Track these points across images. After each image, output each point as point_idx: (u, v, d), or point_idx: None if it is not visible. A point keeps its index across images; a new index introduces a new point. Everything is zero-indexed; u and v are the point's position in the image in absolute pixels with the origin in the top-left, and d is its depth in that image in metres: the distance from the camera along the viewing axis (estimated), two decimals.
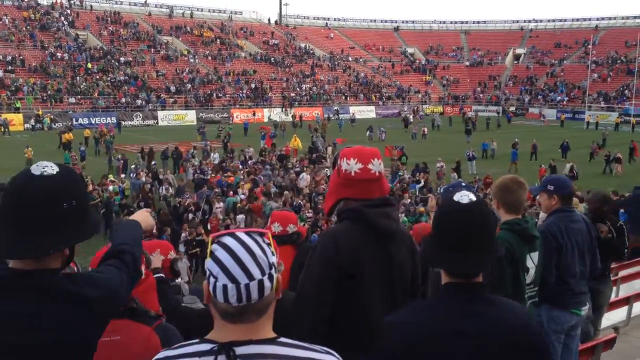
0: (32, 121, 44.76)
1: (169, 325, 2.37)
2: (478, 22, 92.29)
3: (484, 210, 2.00)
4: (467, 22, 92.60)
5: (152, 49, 64.22)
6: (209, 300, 1.46)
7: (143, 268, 2.27)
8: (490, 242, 1.97)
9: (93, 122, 46.43)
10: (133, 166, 24.35)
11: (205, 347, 1.42)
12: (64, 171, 1.67)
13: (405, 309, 2.06)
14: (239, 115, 54.58)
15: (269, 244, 1.46)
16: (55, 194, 1.61)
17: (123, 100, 52.40)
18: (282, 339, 1.47)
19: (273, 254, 1.46)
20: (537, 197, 4.23)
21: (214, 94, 58.28)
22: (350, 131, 45.65)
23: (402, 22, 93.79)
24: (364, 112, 61.82)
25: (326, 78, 69.73)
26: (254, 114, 56.16)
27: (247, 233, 1.46)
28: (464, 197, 1.97)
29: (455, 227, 1.94)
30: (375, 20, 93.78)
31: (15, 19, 61.14)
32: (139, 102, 52.88)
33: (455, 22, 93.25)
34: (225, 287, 1.40)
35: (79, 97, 51.42)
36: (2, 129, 41.82)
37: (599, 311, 5.28)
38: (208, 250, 1.45)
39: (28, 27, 60.49)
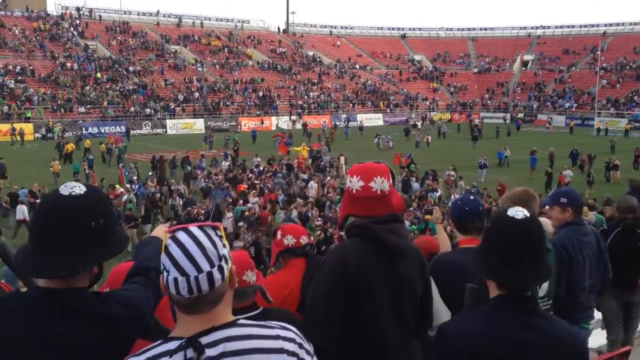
0: (43, 130, 45.10)
1: None
2: (485, 29, 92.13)
3: (537, 225, 2.08)
4: (474, 29, 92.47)
5: (161, 58, 64.65)
6: (165, 293, 1.51)
7: None
8: (544, 257, 2.06)
9: (103, 131, 46.76)
10: (135, 177, 24.19)
11: (173, 345, 1.45)
12: (92, 191, 1.72)
13: (460, 318, 2.16)
14: (247, 124, 54.78)
15: (220, 237, 1.52)
16: (84, 213, 1.65)
17: (132, 109, 52.72)
18: (242, 320, 1.54)
19: (225, 246, 1.51)
20: (546, 210, 4.20)
21: (222, 103, 58.52)
22: (358, 139, 45.66)
23: (409, 29, 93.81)
24: (372, 119, 61.84)
25: (333, 86, 69.87)
26: (262, 122, 56.34)
27: (200, 227, 1.52)
28: (519, 212, 2.05)
29: (511, 243, 2.02)
30: (382, 28, 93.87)
31: (25, 29, 61.75)
32: (147, 111, 53.18)
33: (463, 29, 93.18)
34: (175, 280, 1.45)
35: (89, 106, 51.77)
36: (17, 139, 42.05)
37: (633, 322, 5.19)
38: (163, 245, 1.49)
39: (38, 38, 61.05)
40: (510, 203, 3.41)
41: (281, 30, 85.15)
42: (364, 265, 2.39)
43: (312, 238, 3.52)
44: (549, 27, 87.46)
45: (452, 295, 2.88)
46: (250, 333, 1.52)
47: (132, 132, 48.26)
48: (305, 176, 24.97)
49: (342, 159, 29.11)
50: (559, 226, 4.02)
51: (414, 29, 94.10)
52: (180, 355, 1.43)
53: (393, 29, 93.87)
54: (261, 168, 26.74)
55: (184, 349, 1.43)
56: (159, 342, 1.49)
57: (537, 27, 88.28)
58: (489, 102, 72.98)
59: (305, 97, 65.21)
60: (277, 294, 3.15)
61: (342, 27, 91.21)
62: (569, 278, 3.80)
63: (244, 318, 2.45)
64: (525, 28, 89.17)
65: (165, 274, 1.48)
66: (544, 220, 4.49)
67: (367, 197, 2.48)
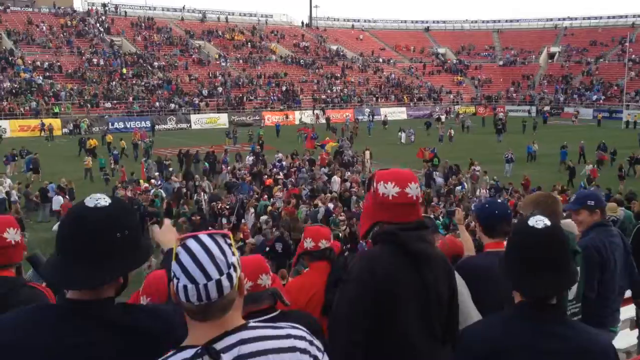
0: (70, 126, 45.81)
1: None
2: (511, 21, 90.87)
3: (559, 234, 2.10)
4: (499, 21, 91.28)
5: (185, 54, 65.15)
6: (176, 300, 1.55)
7: None
8: (566, 265, 2.08)
9: (128, 126, 47.37)
10: (157, 173, 24.27)
11: (188, 353, 1.48)
12: (116, 202, 1.75)
13: (482, 322, 2.24)
14: (271, 118, 55.00)
15: (230, 245, 1.55)
16: (109, 224, 1.68)
17: (157, 104, 53.26)
18: (252, 323, 1.58)
19: (234, 254, 1.55)
20: (572, 215, 4.11)
21: (246, 97, 58.80)
22: (382, 133, 45.49)
23: (433, 22, 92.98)
24: (395, 113, 61.55)
25: (357, 80, 69.68)
26: (286, 117, 56.50)
27: (210, 235, 1.55)
28: (539, 222, 2.07)
29: (532, 253, 2.05)
30: (405, 21, 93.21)
31: (53, 26, 62.71)
32: (172, 105, 53.68)
33: (487, 22, 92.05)
34: (185, 287, 1.49)
35: (115, 102, 52.46)
36: (47, 134, 42.78)
37: None
38: (174, 253, 1.53)
39: (65, 34, 61.97)
40: (532, 208, 3.36)
41: (304, 24, 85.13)
42: (391, 273, 2.37)
43: (334, 240, 3.49)
44: (576, 19, 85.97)
45: (479, 299, 2.87)
46: (263, 334, 1.55)
47: (156, 127, 48.77)
48: (325, 170, 24.99)
49: (367, 153, 29.02)
50: (587, 228, 3.95)
51: (438, 22, 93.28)
52: None
53: (417, 22, 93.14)
54: (283, 163, 26.80)
55: (200, 356, 1.46)
56: (172, 351, 1.52)
57: (564, 19, 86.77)
58: (514, 95, 72.08)
59: (329, 91, 65.16)
60: (300, 297, 3.17)
61: (365, 21, 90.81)
62: (600, 281, 3.73)
63: (261, 321, 2.49)
64: (551, 19, 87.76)
65: (175, 281, 1.52)
66: (567, 222, 4.43)
67: (403, 203, 2.45)
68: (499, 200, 3.40)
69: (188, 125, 52.50)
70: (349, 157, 28.99)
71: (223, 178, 24.18)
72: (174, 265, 1.52)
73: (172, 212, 18.71)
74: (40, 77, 52.25)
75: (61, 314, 1.71)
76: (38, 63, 54.31)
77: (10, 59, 53.69)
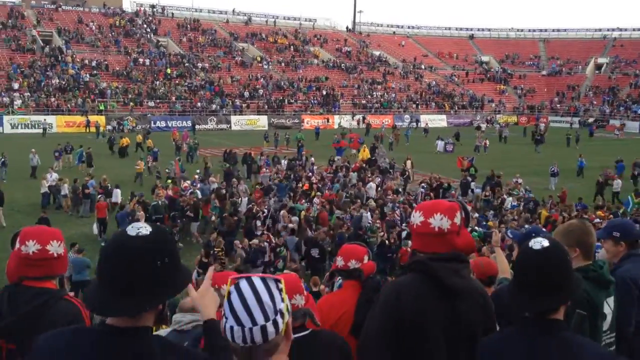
0: (114, 123, 46.88)
1: None
2: (558, 30, 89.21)
3: (556, 255, 2.25)
4: (546, 30, 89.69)
5: (229, 55, 65.97)
6: (223, 334, 1.61)
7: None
8: (561, 284, 2.22)
9: (170, 125, 48.35)
10: (188, 181, 24.10)
11: None
12: (157, 230, 1.78)
13: (492, 336, 2.41)
14: (310, 122, 55.20)
15: (281, 290, 1.60)
16: (150, 253, 1.71)
17: (199, 104, 54.06)
18: None
19: (283, 301, 1.59)
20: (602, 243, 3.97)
21: (286, 100, 59.15)
22: (422, 142, 44.91)
23: (478, 29, 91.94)
24: (435, 120, 61.04)
25: (397, 86, 69.36)
26: (327, 121, 56.62)
27: (262, 279, 1.61)
28: (537, 243, 2.25)
29: (526, 272, 2.25)
30: (450, 28, 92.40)
31: (102, 25, 64.36)
32: (213, 106, 54.41)
33: (534, 30, 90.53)
34: (232, 328, 1.57)
35: (158, 101, 53.47)
36: (92, 130, 43.86)
37: None
38: (226, 292, 1.59)
39: (113, 34, 63.50)
40: (574, 236, 3.27)
41: (348, 29, 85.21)
42: (418, 301, 2.35)
43: (368, 260, 3.49)
44: (625, 30, 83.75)
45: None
46: None
47: (197, 126, 49.58)
48: (355, 175, 25.01)
49: (409, 162, 28.65)
50: (623, 257, 3.81)
51: (482, 30, 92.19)
52: None
53: (461, 29, 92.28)
54: (315, 168, 26.89)
55: None
56: None
57: (612, 29, 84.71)
58: (558, 105, 70.64)
59: (369, 96, 65.03)
60: (331, 315, 3.18)
61: (409, 27, 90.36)
62: (639, 313, 3.58)
63: (294, 338, 2.51)
64: (600, 30, 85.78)
65: (224, 320, 1.59)
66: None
67: (425, 233, 2.46)
68: (543, 229, 3.28)
69: (228, 126, 53.13)
70: (385, 164, 28.85)
71: (262, 180, 24.22)
72: (225, 305, 1.59)
73: (199, 215, 18.68)
74: (88, 75, 53.65)
75: (96, 339, 1.74)
76: (86, 61, 55.78)
77: (59, 56, 55.28)
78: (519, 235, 3.18)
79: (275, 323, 1.56)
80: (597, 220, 17.21)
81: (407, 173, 27.01)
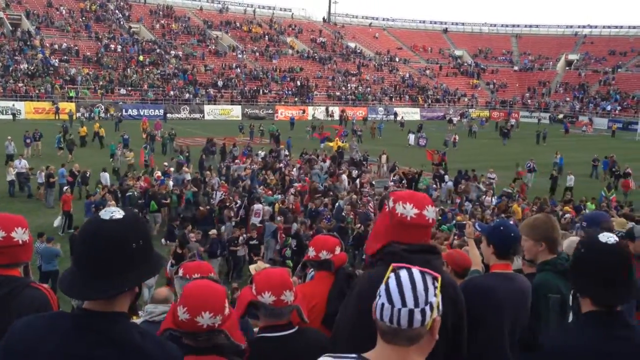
0: (82, 110, 45.89)
1: None
2: (530, 26, 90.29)
3: (626, 249, 2.41)
4: (518, 26, 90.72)
5: (202, 44, 65.26)
6: (374, 316, 1.69)
7: (227, 302, 2.32)
8: (632, 276, 2.34)
9: (142, 113, 47.66)
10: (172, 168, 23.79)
11: None
12: (130, 214, 1.81)
13: (557, 332, 2.53)
14: (284, 112, 55.02)
15: (436, 287, 1.67)
16: (125, 236, 1.74)
17: (171, 93, 53.44)
18: None
19: (436, 296, 1.66)
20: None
21: (260, 90, 58.84)
22: (394, 135, 45.06)
23: (452, 23, 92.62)
24: (409, 114, 61.35)
25: (372, 78, 69.53)
26: (303, 112, 56.51)
27: (421, 271, 1.69)
28: (610, 238, 2.34)
29: (605, 267, 2.31)
30: (424, 21, 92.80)
31: (72, 10, 62.99)
32: (186, 95, 53.84)
33: (507, 25, 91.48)
34: (382, 305, 1.64)
35: (130, 88, 52.70)
36: (67, 118, 42.99)
37: None
38: (386, 277, 1.69)
39: (84, 19, 62.25)
40: (542, 229, 3.35)
41: (324, 19, 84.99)
42: None
43: (340, 251, 3.50)
44: (596, 27, 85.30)
45: (480, 319, 2.79)
46: None
47: (170, 115, 49.09)
48: (326, 165, 25.23)
49: (384, 157, 28.67)
50: None
51: (456, 24, 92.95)
52: None
53: (435, 22, 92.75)
54: (288, 159, 26.88)
55: None
56: (354, 356, 1.68)
57: (583, 26, 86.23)
58: (529, 101, 71.65)
59: (343, 88, 65.08)
60: (302, 305, 3.20)
61: (383, 19, 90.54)
62: None
63: (279, 337, 2.50)
64: (571, 27, 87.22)
65: (377, 299, 1.67)
66: (572, 239, 4.40)
67: (420, 224, 2.46)
68: (511, 222, 3.34)
69: (201, 115, 52.68)
70: (358, 157, 28.92)
71: (237, 170, 24.08)
72: (382, 286, 1.67)
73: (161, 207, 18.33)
74: (57, 60, 52.56)
75: (71, 324, 1.75)
76: (56, 46, 54.63)
77: (28, 40, 54.02)
78: (486, 227, 3.19)
79: (423, 312, 1.61)
80: (567, 215, 17.55)
81: (381, 167, 27.10)
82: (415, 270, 1.68)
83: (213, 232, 14.75)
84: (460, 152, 36.34)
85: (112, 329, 1.73)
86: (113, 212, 1.78)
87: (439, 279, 1.69)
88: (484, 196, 21.89)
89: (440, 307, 1.68)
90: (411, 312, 1.60)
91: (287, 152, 29.18)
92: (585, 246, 2.42)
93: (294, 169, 24.69)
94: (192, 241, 13.76)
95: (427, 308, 1.62)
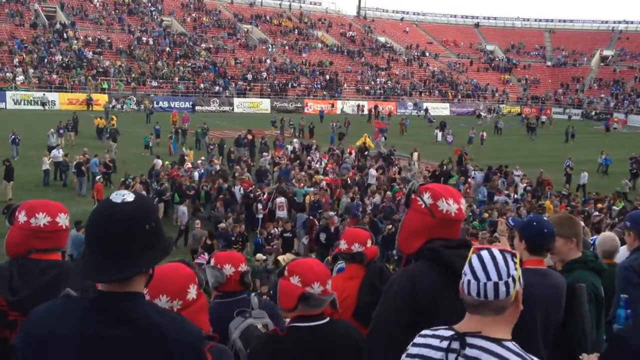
0: (114, 102, 46.63)
1: (222, 347, 2.36)
2: (564, 21, 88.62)
3: None
4: (552, 21, 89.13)
5: (233, 37, 65.63)
6: (461, 294, 1.84)
7: (195, 288, 2.35)
8: None
9: (172, 105, 48.19)
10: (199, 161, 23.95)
11: (447, 332, 1.83)
12: (140, 197, 1.83)
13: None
14: (313, 106, 55.06)
15: (515, 262, 1.82)
16: (137, 218, 1.76)
17: (202, 85, 53.90)
18: (508, 343, 1.77)
19: (516, 270, 1.80)
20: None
21: (289, 84, 58.96)
22: (423, 130, 44.59)
23: (484, 18, 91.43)
24: (438, 109, 60.80)
25: (401, 72, 69.09)
26: (332, 106, 56.47)
27: (501, 250, 1.84)
28: None
29: None
30: (455, 16, 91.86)
31: (106, 2, 63.93)
32: (216, 88, 54.24)
33: (540, 20, 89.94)
34: (469, 282, 1.80)
35: (161, 81, 53.30)
36: (100, 108, 43.69)
37: None
38: (468, 257, 1.85)
39: (117, 11, 63.11)
40: (573, 227, 3.32)
41: (353, 14, 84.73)
42: (433, 290, 2.37)
43: (371, 244, 3.50)
44: (632, 22, 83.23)
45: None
46: (508, 358, 1.73)
47: (200, 108, 49.60)
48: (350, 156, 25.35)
49: (416, 155, 28.24)
50: (632, 250, 3.80)
51: (488, 18, 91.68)
52: (446, 342, 1.80)
53: (467, 17, 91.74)
54: (317, 154, 26.91)
55: (451, 340, 1.79)
56: (446, 327, 1.85)
57: (619, 22, 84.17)
58: (562, 97, 70.41)
59: (372, 82, 64.82)
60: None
61: (414, 13, 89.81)
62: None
63: (313, 326, 2.51)
64: (606, 22, 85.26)
65: (463, 277, 1.84)
66: (605, 235, 4.34)
67: (460, 220, 2.48)
68: (545, 218, 3.28)
69: (230, 108, 53.01)
70: (385, 151, 28.77)
71: (262, 163, 24.23)
72: (466, 266, 1.83)
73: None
74: (91, 53, 53.42)
75: (87, 305, 1.78)
76: (90, 39, 55.51)
77: (63, 32, 55.00)
78: (519, 222, 3.15)
79: (506, 284, 1.76)
80: (596, 213, 17.23)
81: (412, 165, 26.74)
82: (495, 250, 1.83)
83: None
84: (487, 149, 35.85)
85: (129, 308, 1.75)
86: (124, 194, 1.80)
87: (517, 255, 1.83)
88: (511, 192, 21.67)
89: (522, 280, 1.82)
90: (496, 285, 1.75)
91: (315, 145, 29.07)
92: None
93: (321, 163, 24.77)
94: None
95: (510, 281, 1.77)
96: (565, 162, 27.39)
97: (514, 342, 1.77)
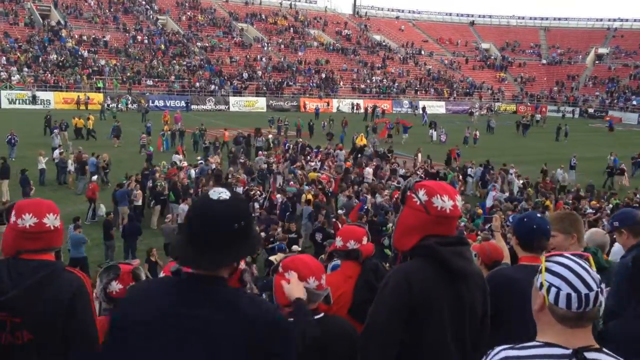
0: (108, 100, 46.37)
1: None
2: (559, 19, 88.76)
3: None
4: (547, 19, 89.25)
5: (228, 36, 65.52)
6: (542, 308, 1.77)
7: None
8: None
9: (168, 104, 48.13)
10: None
11: (556, 351, 1.72)
12: (234, 196, 2.01)
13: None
14: (308, 105, 55.03)
15: (590, 265, 1.76)
16: (230, 216, 1.93)
17: (197, 84, 53.80)
18: (605, 350, 1.75)
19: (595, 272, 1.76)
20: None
21: (285, 82, 58.91)
22: (415, 130, 44.36)
23: (479, 16, 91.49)
24: (434, 107, 60.82)
25: (397, 71, 69.11)
26: (327, 104, 56.44)
27: (573, 254, 1.79)
28: None
29: None
30: (450, 14, 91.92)
31: (101, 1, 63.69)
32: (212, 87, 54.16)
33: (535, 18, 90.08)
34: (569, 295, 1.70)
35: (156, 79, 53.19)
36: (96, 107, 43.56)
37: None
38: (542, 267, 1.77)
39: (112, 10, 62.92)
40: (559, 225, 3.34)
41: (355, 13, 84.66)
42: (428, 288, 2.38)
43: (367, 241, 3.52)
44: (627, 20, 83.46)
45: (504, 312, 2.83)
46: None
47: (195, 107, 49.55)
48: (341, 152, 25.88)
49: (420, 156, 27.84)
50: (629, 248, 3.78)
51: (483, 16, 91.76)
52: None
53: (462, 15, 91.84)
54: (316, 151, 27.00)
55: (570, 358, 1.69)
56: (536, 343, 1.76)
57: (614, 20, 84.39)
58: (558, 95, 70.55)
59: (368, 81, 64.82)
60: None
61: (409, 12, 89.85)
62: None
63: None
64: (601, 20, 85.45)
65: (553, 290, 1.73)
66: (592, 231, 4.34)
67: (456, 216, 2.49)
68: (538, 215, 3.29)
69: (226, 107, 52.94)
70: (381, 150, 28.79)
71: (258, 162, 24.23)
72: (548, 277, 1.74)
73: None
74: (86, 52, 53.26)
75: (175, 284, 1.97)
76: (84, 37, 55.33)
77: (58, 31, 54.79)
78: (515, 219, 3.15)
79: (602, 291, 1.72)
80: (590, 210, 17.32)
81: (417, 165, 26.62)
82: (569, 255, 1.77)
83: None
84: (479, 148, 35.76)
85: (216, 290, 1.93)
86: (221, 192, 1.95)
87: (590, 257, 1.79)
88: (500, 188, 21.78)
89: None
90: (596, 294, 1.69)
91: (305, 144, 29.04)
92: None
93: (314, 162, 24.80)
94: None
95: (603, 286, 1.73)
96: (571, 160, 27.46)
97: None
